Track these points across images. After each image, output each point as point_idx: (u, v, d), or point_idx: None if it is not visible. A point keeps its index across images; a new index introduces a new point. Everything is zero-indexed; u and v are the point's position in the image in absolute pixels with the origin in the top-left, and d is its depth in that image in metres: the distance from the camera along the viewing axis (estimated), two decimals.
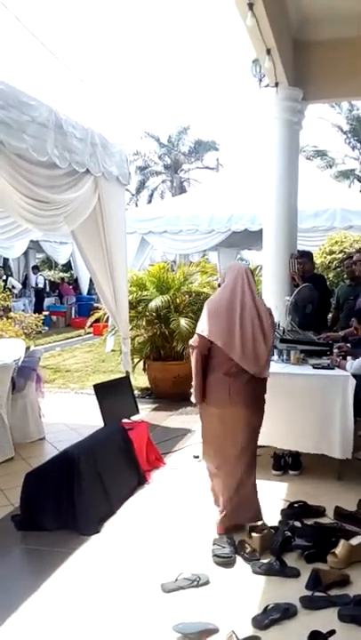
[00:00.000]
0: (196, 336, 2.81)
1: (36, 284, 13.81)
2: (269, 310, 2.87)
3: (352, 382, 3.50)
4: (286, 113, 5.14)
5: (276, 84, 4.92)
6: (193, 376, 2.84)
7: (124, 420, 3.80)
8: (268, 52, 4.27)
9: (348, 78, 5.17)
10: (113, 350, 8.07)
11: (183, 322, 5.57)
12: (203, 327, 2.77)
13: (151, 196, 26.56)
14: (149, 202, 24.32)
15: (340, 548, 2.53)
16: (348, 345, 4.19)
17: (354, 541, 2.59)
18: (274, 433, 3.13)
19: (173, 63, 44.13)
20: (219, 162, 24.39)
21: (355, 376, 3.54)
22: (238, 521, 2.84)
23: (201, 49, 45.44)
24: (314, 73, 5.21)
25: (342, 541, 2.56)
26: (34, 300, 13.41)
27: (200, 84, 45.30)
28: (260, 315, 2.77)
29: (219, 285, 3.04)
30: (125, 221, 4.82)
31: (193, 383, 2.85)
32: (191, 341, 2.84)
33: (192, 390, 2.88)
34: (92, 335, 10.28)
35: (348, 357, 3.85)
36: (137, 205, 23.74)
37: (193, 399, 2.90)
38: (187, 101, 45.00)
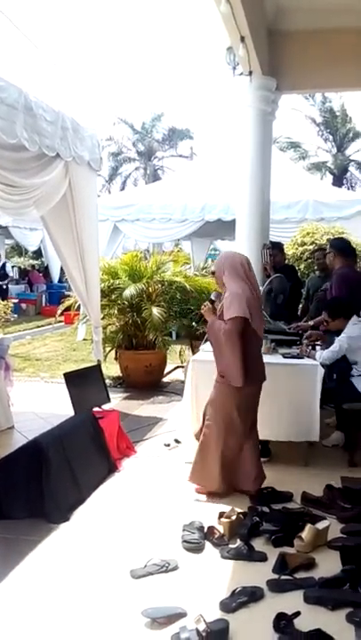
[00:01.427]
0: (232, 321, 2.94)
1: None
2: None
3: (320, 371, 3.58)
4: (260, 102, 5.14)
5: (250, 73, 4.91)
6: (234, 360, 2.94)
7: (95, 409, 3.78)
8: (243, 39, 4.25)
9: (321, 70, 5.20)
10: (84, 339, 7.98)
11: (155, 311, 5.54)
12: (239, 311, 2.95)
13: (124, 183, 26.23)
14: (122, 189, 23.99)
15: (306, 532, 2.60)
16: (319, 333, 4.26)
17: (320, 525, 2.66)
18: None
19: (148, 49, 43.45)
20: (193, 150, 24.26)
21: (323, 366, 3.63)
22: (244, 487, 3.16)
23: (176, 35, 44.89)
24: (288, 63, 5.21)
25: (308, 526, 2.63)
26: None
27: (175, 70, 44.84)
28: (257, 293, 3.21)
29: (212, 273, 3.26)
30: (97, 208, 4.73)
31: (234, 366, 2.95)
32: (231, 327, 2.94)
33: (231, 374, 2.97)
34: (63, 324, 10.13)
35: (318, 347, 3.93)
36: (110, 192, 23.43)
37: (236, 383, 2.96)
38: (161, 88, 44.48)
